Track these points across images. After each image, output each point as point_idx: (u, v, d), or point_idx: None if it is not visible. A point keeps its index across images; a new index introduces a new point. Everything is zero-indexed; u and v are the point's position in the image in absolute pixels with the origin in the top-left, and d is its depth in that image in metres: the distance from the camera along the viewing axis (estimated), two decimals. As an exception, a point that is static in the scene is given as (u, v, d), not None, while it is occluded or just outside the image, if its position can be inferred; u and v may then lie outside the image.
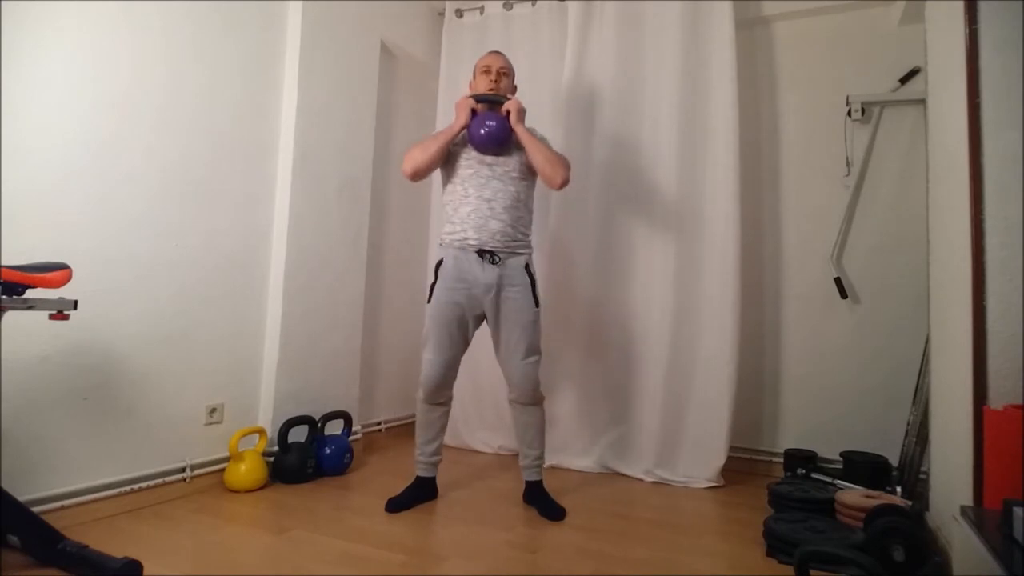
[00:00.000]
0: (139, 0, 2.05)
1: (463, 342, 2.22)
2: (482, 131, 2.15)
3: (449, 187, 2.27)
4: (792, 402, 2.77)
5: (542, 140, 2.25)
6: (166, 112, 2.15)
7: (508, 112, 2.19)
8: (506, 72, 2.31)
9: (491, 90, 2.26)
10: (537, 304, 2.20)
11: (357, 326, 2.90)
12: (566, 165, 2.21)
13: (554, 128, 2.93)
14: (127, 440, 2.05)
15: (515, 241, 2.19)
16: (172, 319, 2.18)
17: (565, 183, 2.19)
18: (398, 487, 2.25)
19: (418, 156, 2.19)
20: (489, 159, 2.20)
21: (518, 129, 2.18)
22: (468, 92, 2.31)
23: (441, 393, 2.23)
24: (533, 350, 2.18)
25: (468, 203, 2.18)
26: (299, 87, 2.58)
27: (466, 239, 2.15)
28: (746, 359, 2.68)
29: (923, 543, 1.62)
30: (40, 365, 1.83)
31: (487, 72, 2.28)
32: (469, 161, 2.21)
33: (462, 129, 2.19)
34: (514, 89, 2.36)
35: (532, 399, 2.21)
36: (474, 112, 2.20)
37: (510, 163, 2.20)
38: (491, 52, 2.37)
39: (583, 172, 2.86)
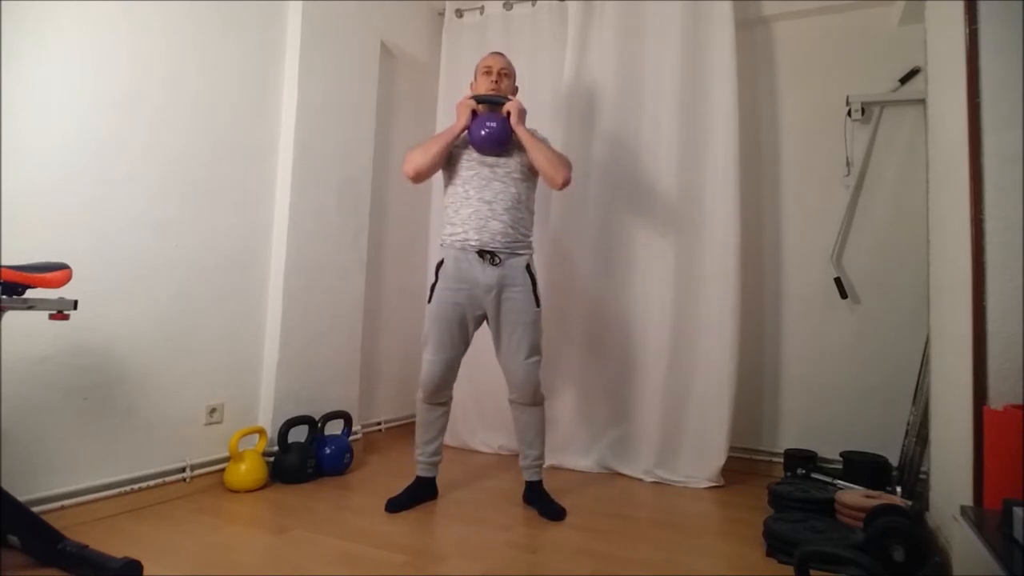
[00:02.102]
0: (139, 0, 2.05)
1: (463, 342, 2.22)
2: (483, 132, 2.16)
3: (450, 188, 2.26)
4: (792, 402, 2.77)
5: (543, 140, 2.26)
6: (166, 112, 2.15)
7: (509, 113, 2.19)
8: (507, 73, 2.30)
9: (492, 91, 2.25)
10: (538, 304, 2.20)
11: (357, 326, 2.89)
12: (567, 165, 2.21)
13: (554, 128, 2.93)
14: (127, 440, 2.05)
15: (516, 242, 2.18)
16: (172, 319, 2.18)
17: (566, 183, 2.19)
18: (398, 487, 2.25)
19: (419, 158, 2.18)
20: (490, 160, 2.20)
21: (519, 130, 2.17)
22: (469, 93, 2.31)
23: (441, 393, 2.23)
24: (534, 350, 2.18)
25: (469, 204, 2.17)
26: (299, 87, 2.58)
27: (467, 240, 2.15)
28: (746, 359, 2.68)
29: (923, 543, 1.62)
30: (40, 365, 1.83)
31: (488, 73, 2.28)
32: (470, 163, 2.21)
33: (463, 130, 2.20)
34: (515, 90, 2.35)
35: (533, 400, 2.20)
36: (475, 113, 2.20)
37: (511, 164, 2.20)
38: (492, 53, 2.37)
39: (583, 172, 2.86)
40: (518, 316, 2.16)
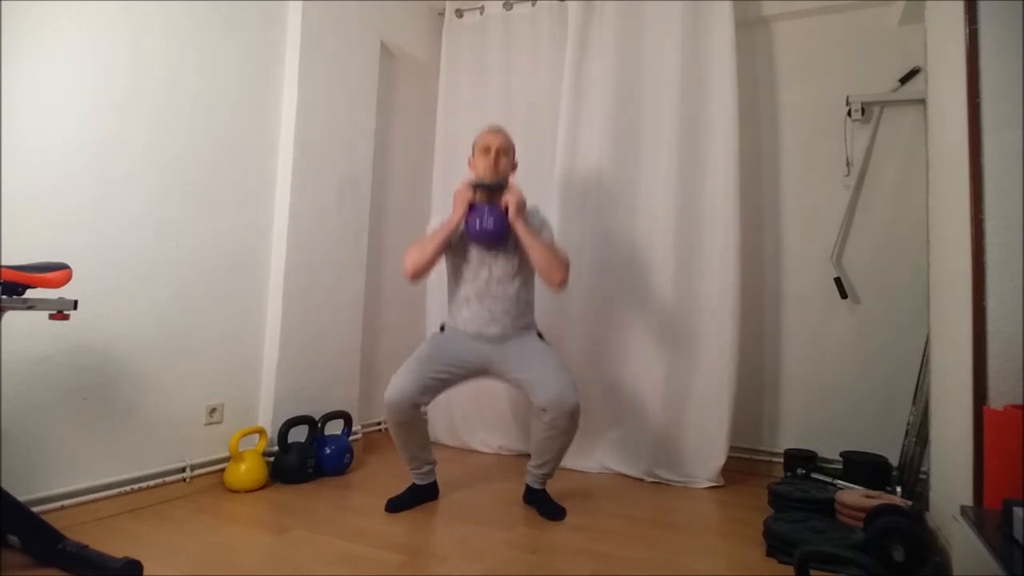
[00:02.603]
0: (139, 0, 2.05)
1: (444, 375, 2.15)
2: (478, 229, 2.11)
3: (450, 280, 2.27)
4: (792, 402, 2.77)
5: (543, 225, 2.23)
6: (166, 112, 2.15)
7: (507, 205, 2.12)
8: (506, 151, 2.22)
9: (491, 171, 2.18)
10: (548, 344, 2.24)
11: (357, 326, 2.89)
12: (565, 265, 2.14)
13: (553, 129, 2.93)
14: (127, 440, 2.05)
15: (515, 330, 2.21)
16: (172, 319, 2.18)
17: (563, 284, 2.13)
18: (398, 487, 2.25)
19: (417, 258, 2.12)
20: (488, 258, 2.18)
21: (517, 226, 2.11)
22: (467, 170, 2.25)
23: (405, 412, 2.08)
24: (565, 371, 2.10)
25: (469, 307, 2.19)
26: (299, 87, 2.57)
27: (467, 332, 2.20)
28: (746, 359, 2.67)
29: (923, 543, 1.62)
30: (40, 365, 1.83)
31: (486, 151, 2.19)
32: (469, 261, 2.19)
33: (460, 222, 2.14)
34: (515, 166, 2.29)
35: (568, 423, 2.04)
36: (472, 204, 2.14)
37: (510, 262, 2.18)
38: (490, 130, 2.27)
39: (583, 173, 2.86)
40: (531, 351, 2.18)
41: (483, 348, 2.18)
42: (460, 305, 2.22)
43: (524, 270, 2.22)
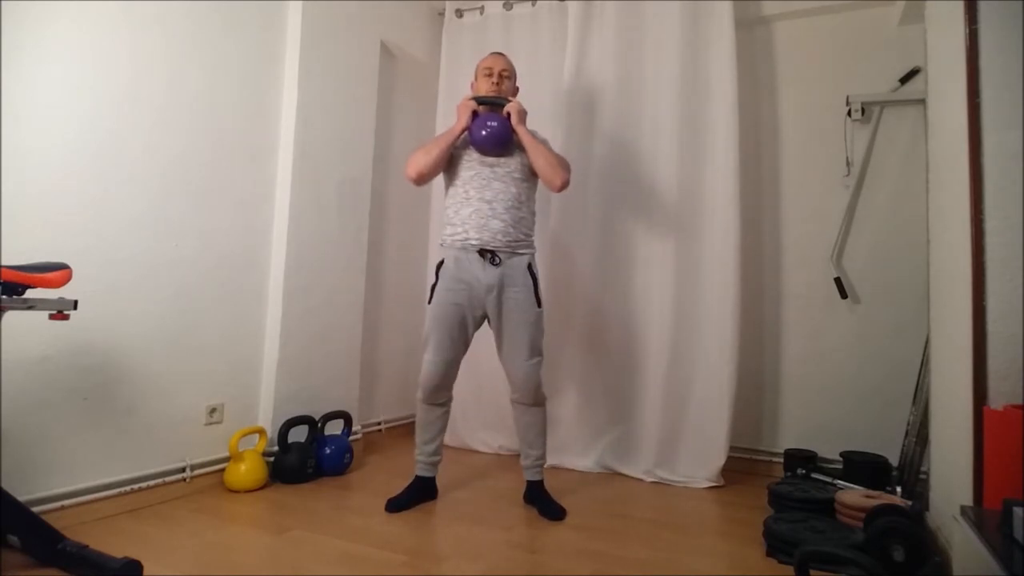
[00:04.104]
0: (139, 0, 2.05)
1: (463, 343, 2.21)
2: (483, 132, 2.16)
3: (451, 190, 2.27)
4: (792, 402, 2.77)
5: (543, 142, 2.26)
6: (166, 112, 2.15)
7: (509, 114, 2.19)
8: (508, 74, 2.31)
9: (493, 92, 2.26)
10: (539, 305, 2.20)
11: (357, 326, 2.89)
12: (566, 167, 2.22)
13: (554, 128, 2.93)
14: (127, 440, 2.05)
15: (516, 241, 2.18)
16: (172, 319, 2.18)
17: (565, 185, 2.20)
18: (398, 487, 2.25)
19: (421, 160, 2.19)
20: (490, 160, 2.20)
21: (519, 131, 2.18)
22: (470, 93, 2.31)
23: (440, 394, 2.23)
24: (535, 351, 2.18)
25: (469, 204, 2.17)
26: (299, 87, 2.57)
27: (467, 239, 2.15)
28: (746, 359, 2.67)
29: (923, 543, 1.62)
30: (40, 365, 1.82)
31: (489, 74, 2.28)
32: (471, 163, 2.21)
33: (463, 131, 2.20)
34: (516, 91, 2.36)
35: (534, 400, 2.20)
36: (475, 114, 2.21)
37: (511, 164, 2.21)
38: (493, 53, 2.37)
39: (583, 172, 2.86)
40: (519, 316, 2.16)
41: (479, 280, 2.13)
42: (460, 205, 2.19)
43: (526, 178, 2.24)
